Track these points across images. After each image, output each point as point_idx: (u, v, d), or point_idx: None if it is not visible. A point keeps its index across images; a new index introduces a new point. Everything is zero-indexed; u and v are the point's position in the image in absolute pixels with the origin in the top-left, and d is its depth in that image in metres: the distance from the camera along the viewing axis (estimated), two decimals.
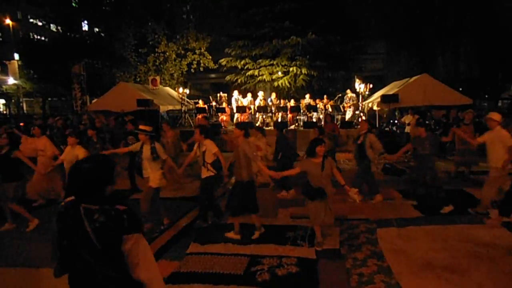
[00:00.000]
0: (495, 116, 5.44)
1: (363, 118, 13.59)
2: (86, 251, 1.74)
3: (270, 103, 14.86)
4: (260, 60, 20.25)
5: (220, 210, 5.55)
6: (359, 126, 7.40)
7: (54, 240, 1.84)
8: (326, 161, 4.44)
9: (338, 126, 10.41)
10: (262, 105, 14.47)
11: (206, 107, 15.22)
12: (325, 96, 15.01)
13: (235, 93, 15.56)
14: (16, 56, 24.97)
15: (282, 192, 6.92)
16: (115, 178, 2.04)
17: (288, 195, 6.84)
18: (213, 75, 28.40)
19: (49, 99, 27.97)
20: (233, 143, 6.04)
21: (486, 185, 5.50)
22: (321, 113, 14.15)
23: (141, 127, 5.43)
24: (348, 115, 14.27)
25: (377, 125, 13.09)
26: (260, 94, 15.19)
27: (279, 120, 14.36)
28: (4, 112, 28.70)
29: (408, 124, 11.34)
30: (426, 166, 5.87)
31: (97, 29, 22.89)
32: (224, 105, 15.30)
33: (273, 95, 15.39)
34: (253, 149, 5.04)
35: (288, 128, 13.29)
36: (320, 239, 4.58)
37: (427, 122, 10.13)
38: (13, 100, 26.70)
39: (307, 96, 15.08)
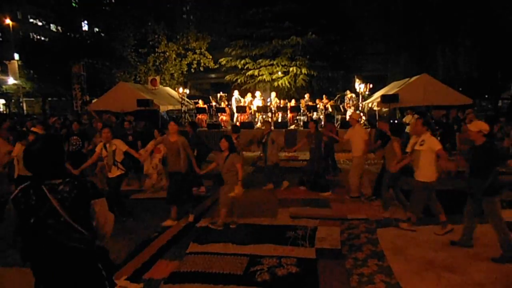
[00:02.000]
0: (355, 115, 7.24)
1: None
2: (54, 222, 1.93)
3: (269, 103, 14.84)
4: (260, 60, 20.24)
5: (127, 209, 5.69)
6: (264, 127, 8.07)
7: (11, 226, 2.00)
8: (230, 156, 5.12)
9: (338, 127, 10.42)
10: (262, 105, 14.46)
11: (206, 107, 15.20)
12: (324, 96, 15.00)
13: (235, 93, 15.54)
14: (16, 56, 24.94)
15: (201, 188, 7.39)
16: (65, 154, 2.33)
17: (201, 191, 7.25)
18: (213, 75, 28.33)
19: (49, 99, 27.96)
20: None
21: (351, 172, 6.66)
22: (321, 113, 14.14)
23: (32, 129, 5.52)
24: (348, 115, 14.24)
25: (377, 125, 13.06)
26: (258, 94, 15.16)
27: (279, 120, 14.35)
28: (4, 112, 28.66)
29: (408, 124, 11.32)
30: (314, 157, 7.16)
31: (97, 29, 22.87)
32: (223, 105, 15.28)
33: (273, 95, 15.40)
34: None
35: (288, 128, 13.30)
36: (222, 220, 5.23)
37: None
38: (13, 100, 26.66)
39: (307, 96, 15.06)
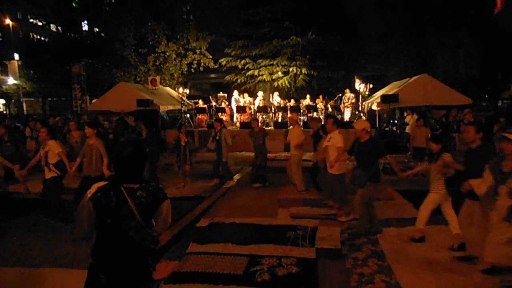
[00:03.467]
0: (294, 116, 7.98)
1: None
2: (131, 223, 2.09)
3: (274, 103, 14.85)
4: (260, 60, 20.24)
5: (67, 211, 5.50)
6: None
7: (86, 221, 2.14)
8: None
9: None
10: (262, 105, 14.47)
11: (206, 107, 15.20)
12: (321, 96, 15.02)
13: (235, 93, 15.54)
14: (16, 56, 24.93)
15: None
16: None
17: None
18: (213, 75, 28.34)
19: (49, 99, 27.95)
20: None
21: (293, 170, 7.04)
22: (321, 113, 14.13)
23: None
24: (347, 115, 14.24)
25: (377, 125, 13.05)
26: (260, 94, 15.17)
27: (279, 120, 14.34)
28: (4, 112, 28.66)
29: (407, 124, 11.33)
30: (259, 152, 7.61)
31: (97, 29, 22.85)
32: (224, 105, 15.29)
33: (276, 94, 15.44)
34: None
35: (288, 128, 13.29)
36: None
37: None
38: (13, 100, 26.65)
39: (308, 96, 15.07)
